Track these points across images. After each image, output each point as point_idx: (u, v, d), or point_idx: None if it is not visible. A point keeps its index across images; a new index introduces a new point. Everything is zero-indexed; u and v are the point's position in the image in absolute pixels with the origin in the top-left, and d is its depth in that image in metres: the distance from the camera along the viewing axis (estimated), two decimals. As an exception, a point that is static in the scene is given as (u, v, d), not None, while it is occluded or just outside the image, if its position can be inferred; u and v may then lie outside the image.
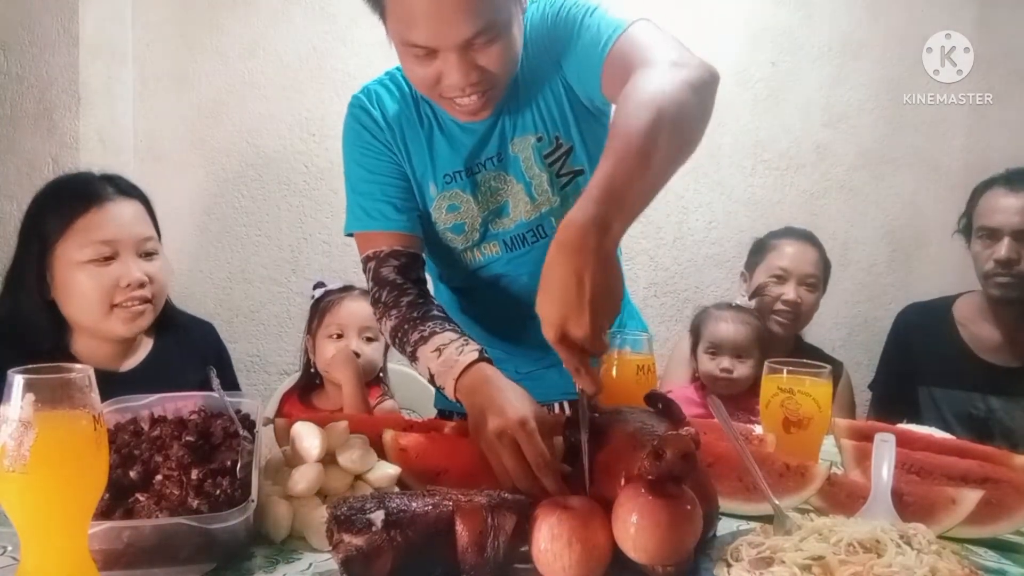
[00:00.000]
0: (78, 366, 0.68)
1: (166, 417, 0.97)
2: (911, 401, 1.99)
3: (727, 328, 1.87)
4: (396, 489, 0.92)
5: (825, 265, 2.09)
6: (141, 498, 0.80)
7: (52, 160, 2.16)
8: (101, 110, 2.26)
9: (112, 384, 1.06)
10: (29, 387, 0.64)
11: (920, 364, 2.00)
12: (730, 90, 2.52)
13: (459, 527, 0.74)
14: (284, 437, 0.99)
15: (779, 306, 2.01)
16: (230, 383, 1.50)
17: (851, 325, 2.66)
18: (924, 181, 2.63)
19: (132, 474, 0.83)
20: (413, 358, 1.12)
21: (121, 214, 1.33)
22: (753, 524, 0.88)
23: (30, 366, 0.66)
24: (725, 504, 0.90)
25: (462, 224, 1.24)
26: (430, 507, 0.75)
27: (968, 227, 1.95)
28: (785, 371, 1.09)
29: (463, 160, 1.21)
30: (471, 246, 1.26)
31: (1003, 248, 1.83)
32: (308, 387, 1.85)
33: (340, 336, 1.76)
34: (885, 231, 2.65)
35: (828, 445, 1.13)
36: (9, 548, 0.80)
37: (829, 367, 1.10)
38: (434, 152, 1.22)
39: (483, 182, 1.22)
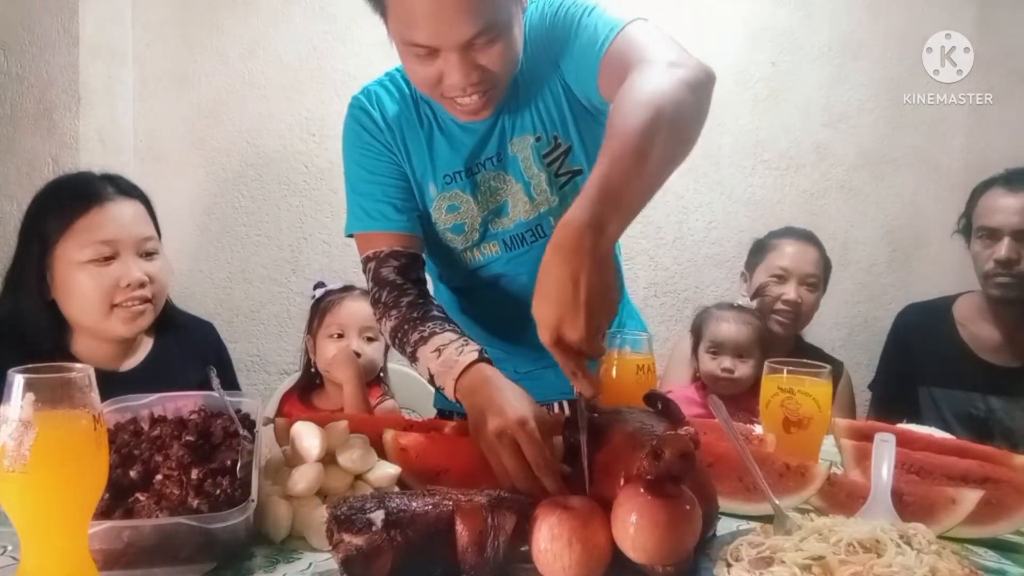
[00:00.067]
0: (78, 366, 0.68)
1: (166, 417, 0.97)
2: (911, 401, 1.99)
3: (729, 328, 1.87)
4: (396, 489, 0.92)
5: (825, 265, 2.09)
6: (141, 498, 0.80)
7: (52, 160, 2.16)
8: (101, 110, 2.26)
9: (112, 384, 1.06)
10: (29, 387, 0.64)
11: (920, 364, 2.00)
12: (730, 90, 2.52)
13: (459, 527, 0.74)
14: (284, 437, 0.99)
15: (779, 306, 2.01)
16: (230, 383, 1.50)
17: (851, 325, 2.66)
18: (924, 181, 2.63)
19: (132, 474, 0.83)
20: (413, 358, 1.12)
21: (121, 214, 1.33)
22: (753, 524, 0.88)
23: (30, 366, 0.66)
24: (725, 504, 0.90)
25: (462, 224, 1.24)
26: (430, 507, 0.75)
27: (968, 227, 1.95)
28: (785, 371, 1.09)
29: (463, 160, 1.21)
30: (471, 246, 1.26)
31: (1003, 248, 1.83)
32: (308, 387, 1.85)
33: (341, 336, 1.76)
34: (885, 231, 2.65)
35: (828, 445, 1.13)
36: (9, 548, 0.80)
37: (829, 367, 1.10)
38: (434, 153, 1.22)
39: (483, 182, 1.22)
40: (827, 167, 2.62)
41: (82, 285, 1.29)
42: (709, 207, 2.61)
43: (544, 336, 0.80)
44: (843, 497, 0.93)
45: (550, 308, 0.78)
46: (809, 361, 1.11)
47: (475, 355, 1.03)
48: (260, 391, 2.40)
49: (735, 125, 2.57)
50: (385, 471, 0.92)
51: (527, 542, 0.75)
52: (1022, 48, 2.51)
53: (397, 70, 1.23)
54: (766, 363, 1.12)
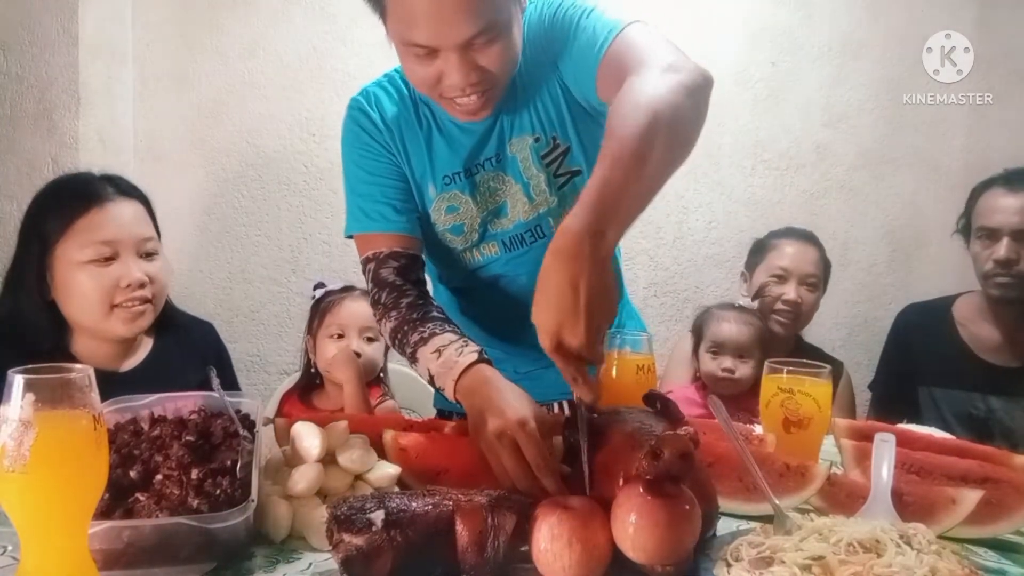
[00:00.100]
0: (78, 366, 0.68)
1: (166, 417, 0.97)
2: (911, 401, 1.99)
3: (730, 328, 1.87)
4: (396, 489, 0.92)
5: (825, 265, 2.09)
6: (141, 498, 0.80)
7: (52, 160, 2.16)
8: (101, 110, 2.26)
9: (112, 384, 1.06)
10: (29, 387, 0.64)
11: (920, 364, 2.00)
12: (730, 90, 2.52)
13: (459, 527, 0.74)
14: (284, 437, 0.99)
15: (779, 306, 2.01)
16: (230, 383, 1.50)
17: (851, 325, 2.66)
18: (924, 181, 2.63)
19: (132, 474, 0.83)
20: (413, 359, 1.13)
21: (121, 214, 1.33)
22: (753, 524, 0.88)
23: (30, 366, 0.66)
24: (725, 504, 0.90)
25: (461, 225, 1.24)
26: (430, 507, 0.75)
27: (967, 227, 1.95)
28: (785, 371, 1.09)
29: (462, 161, 1.21)
30: (470, 247, 1.26)
31: (1002, 248, 1.83)
32: (308, 387, 1.85)
33: (341, 336, 1.77)
34: (885, 231, 2.65)
35: (828, 445, 1.13)
36: (9, 548, 0.80)
37: (829, 367, 1.10)
38: (433, 153, 1.22)
39: (482, 183, 1.22)
40: (827, 167, 2.62)
41: (82, 285, 1.29)
42: (709, 207, 2.61)
43: (544, 342, 0.80)
44: (843, 497, 0.93)
45: (550, 314, 0.78)
46: (809, 361, 1.11)
47: (475, 356, 1.03)
48: (260, 391, 2.40)
49: (735, 125, 2.57)
50: (385, 471, 0.92)
51: (527, 542, 0.75)
52: (1022, 48, 2.51)
53: (396, 71, 1.23)
54: (766, 363, 1.12)
